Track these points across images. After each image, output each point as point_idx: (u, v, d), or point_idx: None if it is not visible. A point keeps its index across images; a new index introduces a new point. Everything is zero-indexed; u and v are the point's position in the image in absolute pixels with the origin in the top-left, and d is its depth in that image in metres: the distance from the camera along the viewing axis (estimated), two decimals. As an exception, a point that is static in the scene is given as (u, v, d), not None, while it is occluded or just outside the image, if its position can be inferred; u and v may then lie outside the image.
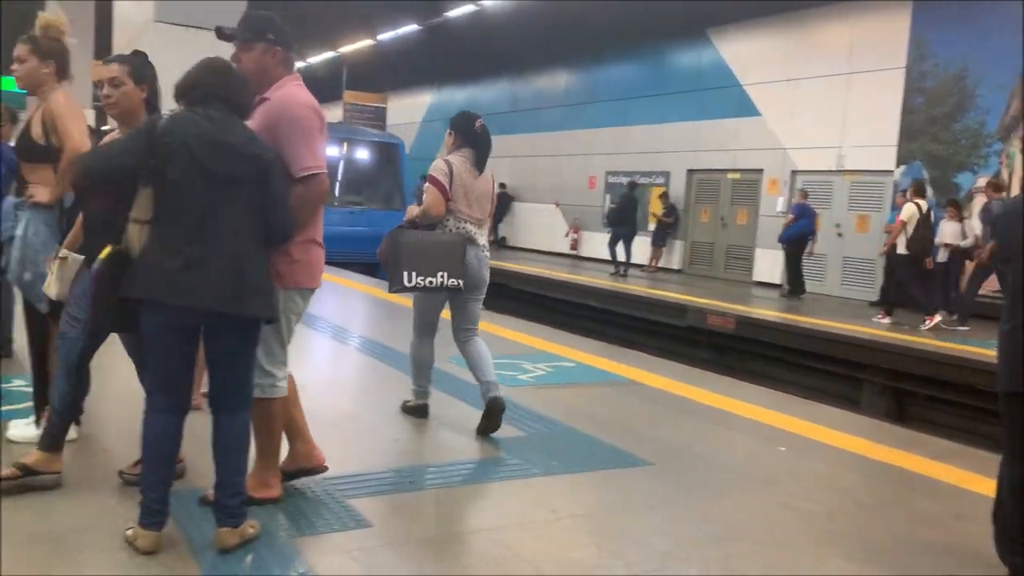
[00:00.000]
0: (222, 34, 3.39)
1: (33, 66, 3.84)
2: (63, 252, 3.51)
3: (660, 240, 16.94)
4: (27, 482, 3.30)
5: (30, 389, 4.21)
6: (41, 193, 3.85)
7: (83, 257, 3.34)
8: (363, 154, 15.83)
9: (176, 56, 7.07)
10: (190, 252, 2.78)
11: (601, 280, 14.68)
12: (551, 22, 18.74)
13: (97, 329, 3.17)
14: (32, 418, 4.01)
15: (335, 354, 6.83)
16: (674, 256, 17.46)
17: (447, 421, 4.86)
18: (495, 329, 8.01)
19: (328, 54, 25.03)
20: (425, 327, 4.73)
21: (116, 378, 4.40)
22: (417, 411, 4.90)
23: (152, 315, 2.84)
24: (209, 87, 2.93)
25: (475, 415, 4.69)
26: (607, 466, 4.23)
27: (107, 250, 2.93)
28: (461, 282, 4.38)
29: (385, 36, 22.09)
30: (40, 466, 3.35)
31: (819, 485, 4.21)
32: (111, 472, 3.55)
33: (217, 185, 2.84)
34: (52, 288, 3.49)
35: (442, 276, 4.31)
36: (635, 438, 4.75)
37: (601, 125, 19.47)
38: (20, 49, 3.86)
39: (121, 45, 9.34)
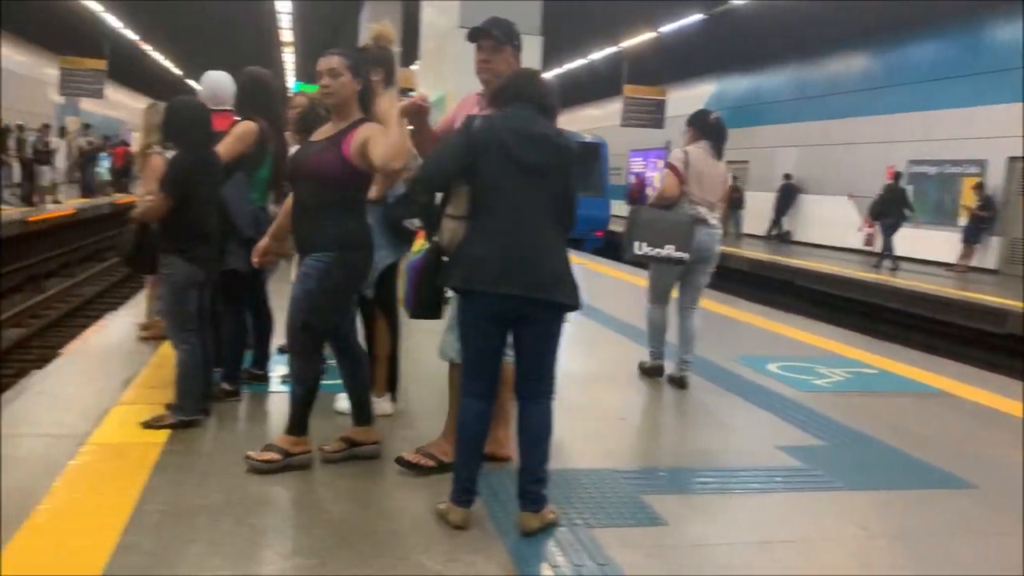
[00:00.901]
0: (481, 34, 3.57)
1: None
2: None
3: (973, 236, 15.16)
4: (353, 452, 3.64)
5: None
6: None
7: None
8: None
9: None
10: (505, 242, 2.94)
11: (903, 279, 13.44)
12: (843, 3, 17.45)
13: (417, 315, 3.42)
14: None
15: (603, 341, 6.81)
16: (989, 254, 15.54)
17: (740, 424, 4.68)
18: (781, 328, 7.61)
19: (609, 49, 25.27)
20: (658, 297, 5.40)
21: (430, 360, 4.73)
22: (652, 371, 5.46)
23: (470, 304, 3.01)
24: (519, 89, 3.14)
25: (771, 422, 4.47)
26: (923, 485, 3.83)
27: (421, 243, 3.22)
28: (687, 256, 4.93)
29: (667, 28, 21.85)
30: (360, 438, 3.69)
31: None
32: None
33: (527, 176, 2.98)
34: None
35: (669, 248, 4.87)
36: (952, 456, 4.26)
37: (902, 110, 17.80)
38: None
39: (428, 49, 10.04)
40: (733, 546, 3.12)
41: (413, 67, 19.10)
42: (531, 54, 7.73)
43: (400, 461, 3.54)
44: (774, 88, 21.94)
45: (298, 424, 3.55)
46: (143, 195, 5.12)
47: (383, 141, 3.26)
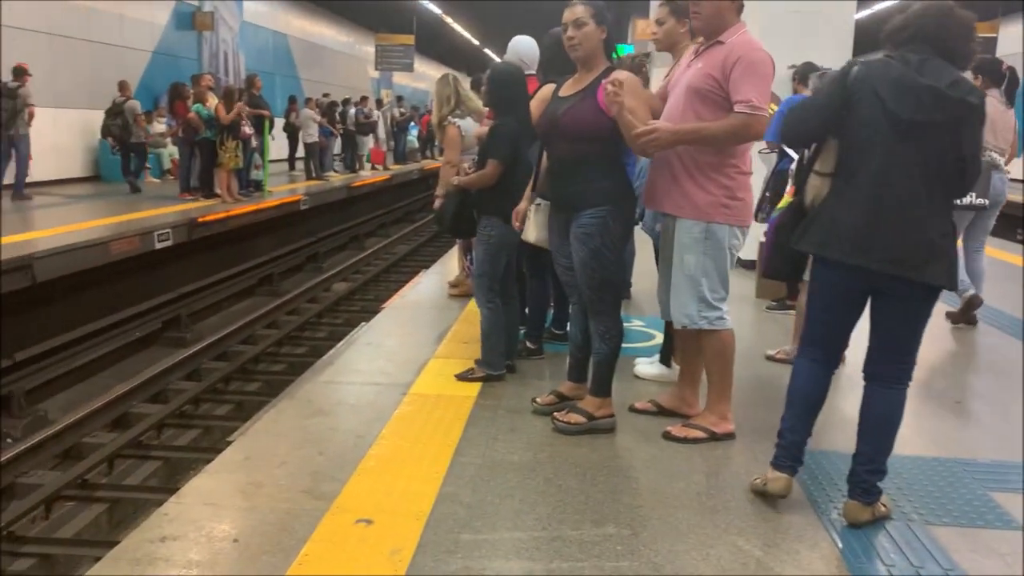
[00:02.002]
0: None
1: (671, 27, 4.02)
2: (536, 200, 3.72)
3: None
4: (591, 426, 3.49)
5: (649, 330, 4.56)
6: None
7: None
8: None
9: (783, 4, 6.99)
10: (868, 209, 2.61)
11: None
12: None
13: (772, 275, 3.26)
14: (656, 357, 4.34)
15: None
16: None
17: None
18: None
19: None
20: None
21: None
22: (967, 309, 5.58)
23: (822, 270, 2.78)
24: (918, 29, 2.65)
25: None
26: None
27: (786, 199, 3.10)
28: (986, 201, 5.37)
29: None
30: (595, 411, 3.52)
31: None
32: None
33: (903, 133, 2.57)
34: (530, 233, 3.76)
35: (970, 196, 5.04)
36: None
37: None
38: (660, 11, 4.08)
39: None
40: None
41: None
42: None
43: (667, 435, 3.45)
44: None
45: (602, 385, 3.52)
46: (445, 163, 5.40)
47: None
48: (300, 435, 3.39)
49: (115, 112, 12.82)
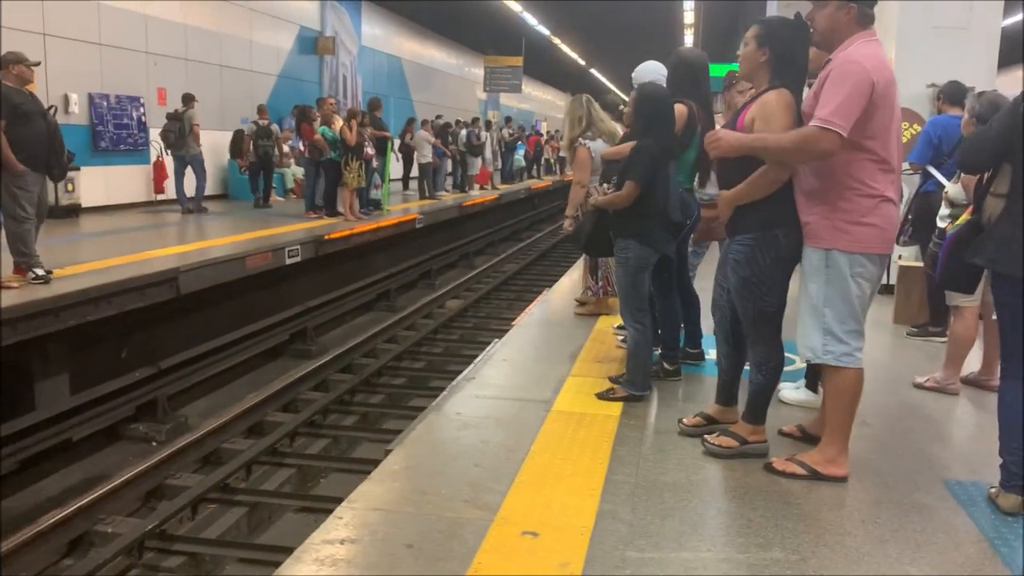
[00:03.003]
0: None
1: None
2: None
3: None
4: (743, 450, 3.43)
5: (791, 355, 4.46)
6: None
7: None
8: None
9: (922, 22, 6.78)
10: None
11: None
12: None
13: (947, 286, 3.37)
14: (802, 382, 4.25)
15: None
16: None
17: None
18: None
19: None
20: None
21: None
22: None
23: (1000, 286, 2.98)
24: None
25: None
26: None
27: (964, 217, 3.19)
28: None
29: None
30: (748, 435, 3.46)
31: None
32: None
33: None
34: None
35: None
36: None
37: None
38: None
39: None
40: None
41: None
42: (991, 10, 6.80)
43: (768, 468, 3.30)
44: None
45: (754, 412, 3.46)
46: (576, 183, 5.45)
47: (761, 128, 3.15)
48: (454, 447, 3.48)
49: (264, 134, 13.52)
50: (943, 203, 4.51)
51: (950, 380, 4.42)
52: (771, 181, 3.18)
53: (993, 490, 3.07)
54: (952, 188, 4.42)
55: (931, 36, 6.73)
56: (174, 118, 12.00)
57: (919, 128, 6.43)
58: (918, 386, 4.50)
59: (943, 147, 5.51)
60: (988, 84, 6.51)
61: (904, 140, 6.71)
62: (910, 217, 5.69)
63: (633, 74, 4.99)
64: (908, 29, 6.83)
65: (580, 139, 5.49)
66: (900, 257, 6.43)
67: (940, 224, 4.47)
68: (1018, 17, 23.56)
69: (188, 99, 12.13)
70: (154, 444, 6.62)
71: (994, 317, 4.21)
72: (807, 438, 3.59)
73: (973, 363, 4.53)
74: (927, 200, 5.42)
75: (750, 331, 3.41)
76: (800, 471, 3.24)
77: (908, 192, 5.88)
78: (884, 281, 6.29)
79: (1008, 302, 2.96)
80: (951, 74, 6.09)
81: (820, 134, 2.96)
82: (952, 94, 5.75)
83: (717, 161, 3.53)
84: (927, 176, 5.55)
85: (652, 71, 4.96)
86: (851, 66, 3.00)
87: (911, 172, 5.82)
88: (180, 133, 11.90)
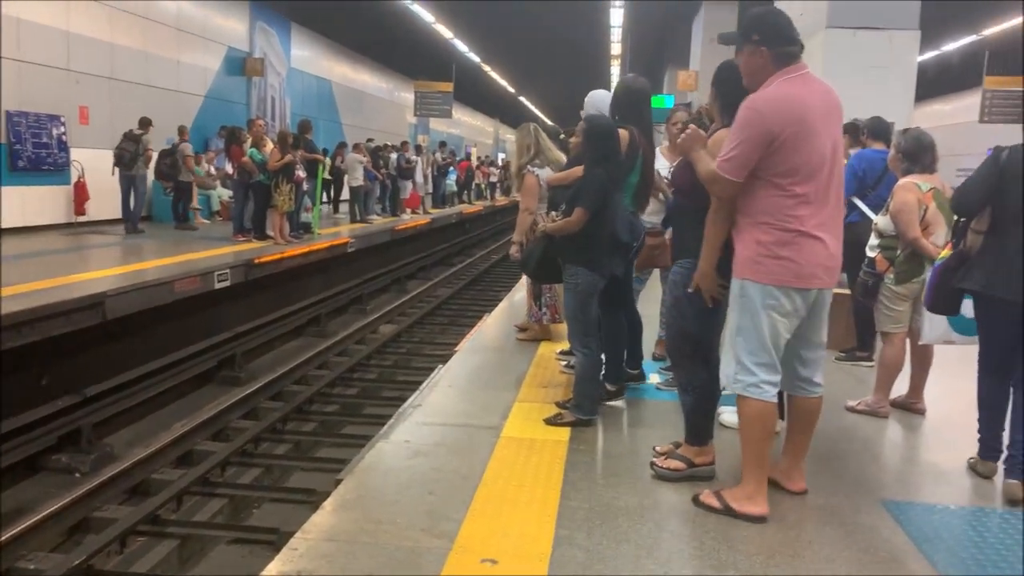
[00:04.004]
0: (722, 39, 3.36)
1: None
2: None
3: None
4: (691, 473, 3.48)
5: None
6: None
7: None
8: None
9: (845, 60, 7.12)
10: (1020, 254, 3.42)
11: None
12: None
13: (935, 310, 3.89)
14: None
15: None
16: None
17: None
18: None
19: (968, 38, 22.74)
20: None
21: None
22: None
23: (989, 307, 3.59)
24: None
25: None
26: None
27: (946, 252, 3.73)
28: None
29: (1043, 10, 19.11)
30: (694, 458, 3.52)
31: None
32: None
33: None
34: None
35: None
36: None
37: None
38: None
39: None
40: None
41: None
42: (908, 50, 7.17)
43: (695, 499, 3.27)
44: None
45: (693, 434, 3.53)
46: (523, 210, 5.50)
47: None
48: (406, 475, 3.44)
49: (167, 153, 13.21)
50: (872, 234, 4.71)
51: (880, 403, 4.60)
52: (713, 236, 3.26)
53: (972, 460, 3.77)
54: (881, 220, 4.62)
55: (855, 73, 7.06)
56: (131, 139, 11.98)
57: (844, 161, 6.70)
58: (850, 409, 4.66)
59: (867, 179, 5.76)
60: (907, 117, 6.86)
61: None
62: None
63: (586, 99, 5.12)
64: (833, 64, 7.15)
65: (528, 167, 5.54)
66: (828, 284, 6.66)
67: (870, 253, 4.68)
68: (932, 53, 24.91)
69: (145, 123, 12.20)
70: (78, 475, 6.34)
71: (920, 343, 4.43)
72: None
73: (901, 387, 4.72)
74: (852, 231, 5.64)
75: (672, 352, 3.52)
76: (717, 505, 3.20)
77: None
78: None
79: (991, 322, 3.60)
80: (873, 110, 6.39)
81: (716, 177, 3.11)
82: (875, 129, 6.03)
83: (676, 199, 3.69)
84: (852, 207, 5.79)
85: (603, 100, 5.08)
86: (747, 112, 3.06)
87: None
88: (134, 154, 11.95)
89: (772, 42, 3.14)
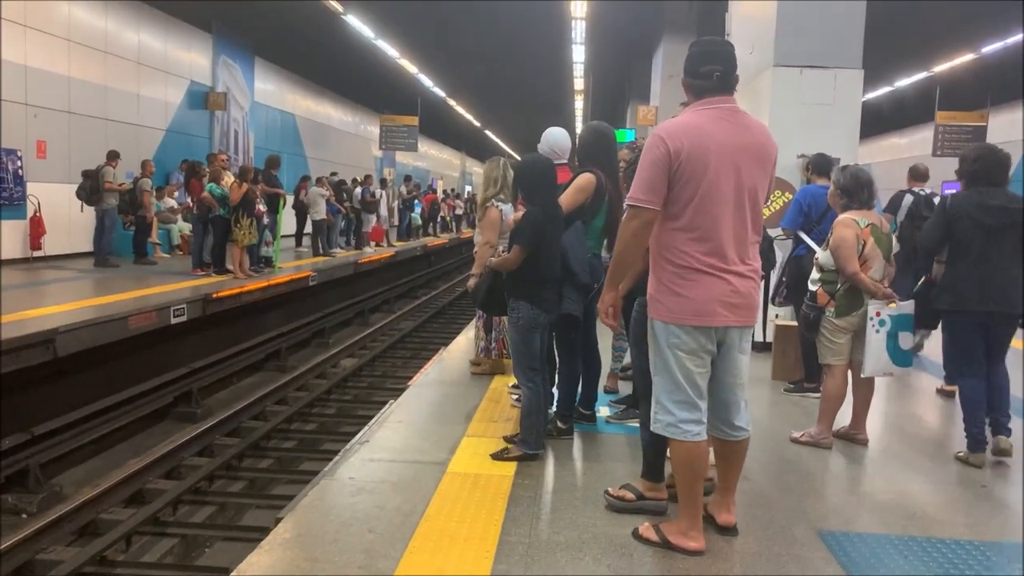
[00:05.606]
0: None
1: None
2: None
3: None
4: (640, 505, 3.52)
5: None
6: None
7: None
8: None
9: (792, 97, 7.30)
10: (979, 278, 4.40)
11: None
12: None
13: (920, 326, 4.80)
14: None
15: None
16: None
17: None
18: None
19: (919, 75, 23.39)
20: None
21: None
22: None
23: (955, 320, 4.52)
24: (979, 169, 4.56)
25: None
26: None
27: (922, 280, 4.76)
28: None
29: (991, 48, 19.75)
30: (645, 491, 3.56)
31: None
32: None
33: (991, 233, 4.41)
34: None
35: None
36: None
37: None
38: None
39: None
40: None
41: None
42: (851, 88, 7.37)
43: (634, 532, 3.30)
44: None
45: (650, 470, 3.56)
46: (483, 243, 5.55)
47: None
48: (348, 513, 3.43)
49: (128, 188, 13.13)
50: (814, 268, 4.82)
51: (823, 435, 4.68)
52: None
53: (961, 454, 4.47)
54: (822, 255, 4.74)
55: (801, 109, 7.24)
56: (88, 175, 12.27)
57: (790, 196, 6.86)
58: (794, 440, 4.73)
59: (812, 214, 5.89)
60: (851, 153, 7.04)
61: (776, 208, 7.15)
62: (784, 280, 6.05)
63: (543, 135, 5.21)
64: (781, 101, 7.32)
65: (493, 200, 5.58)
66: (776, 316, 6.79)
67: (811, 287, 4.78)
68: (886, 89, 25.58)
69: (113, 155, 12.46)
70: (24, 516, 6.21)
71: (863, 375, 4.54)
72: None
73: (844, 418, 4.81)
74: (799, 264, 5.78)
75: (638, 387, 3.54)
76: (655, 538, 3.21)
77: (781, 256, 6.26)
78: (760, 339, 6.71)
79: (961, 333, 4.52)
80: (819, 146, 6.56)
81: (628, 213, 3.08)
82: (819, 165, 6.19)
83: None
84: (798, 241, 5.92)
85: (557, 138, 5.16)
86: (650, 139, 3.09)
87: (784, 238, 6.19)
88: (92, 189, 12.18)
89: (687, 72, 3.20)
